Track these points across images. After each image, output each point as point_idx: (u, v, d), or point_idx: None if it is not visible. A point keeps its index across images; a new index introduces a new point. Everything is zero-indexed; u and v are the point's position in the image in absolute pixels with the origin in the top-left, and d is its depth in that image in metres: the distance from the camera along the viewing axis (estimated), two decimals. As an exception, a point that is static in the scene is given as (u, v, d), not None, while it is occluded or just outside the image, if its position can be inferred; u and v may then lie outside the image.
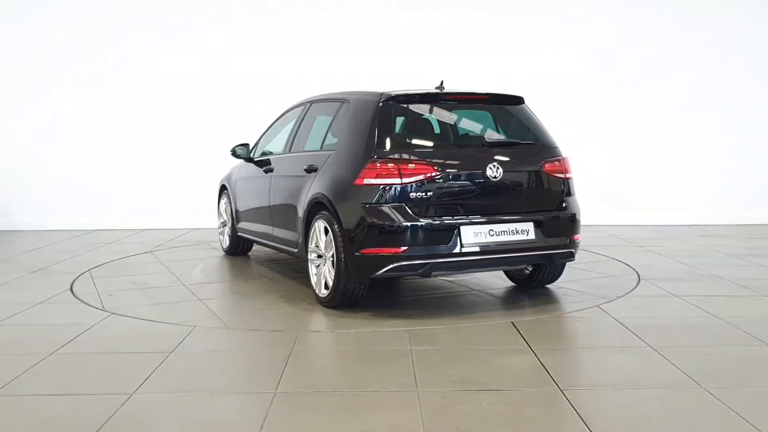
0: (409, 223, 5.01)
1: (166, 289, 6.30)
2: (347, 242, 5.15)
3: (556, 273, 5.97)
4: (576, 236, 5.51)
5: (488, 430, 3.23)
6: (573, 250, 5.51)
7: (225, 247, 8.09)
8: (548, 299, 5.77)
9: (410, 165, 5.09)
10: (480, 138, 5.82)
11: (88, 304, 5.70)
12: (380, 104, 5.37)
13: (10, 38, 10.34)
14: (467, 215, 5.14)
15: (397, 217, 5.01)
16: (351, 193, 5.16)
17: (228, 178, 7.98)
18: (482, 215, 5.16)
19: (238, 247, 7.89)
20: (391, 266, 5.01)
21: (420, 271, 5.10)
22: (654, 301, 5.65)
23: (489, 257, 5.17)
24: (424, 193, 5.07)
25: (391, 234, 5.02)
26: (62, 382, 3.91)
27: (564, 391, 3.66)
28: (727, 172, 10.51)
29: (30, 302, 5.75)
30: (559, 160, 5.55)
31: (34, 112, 10.43)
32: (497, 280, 6.47)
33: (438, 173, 5.11)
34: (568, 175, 5.57)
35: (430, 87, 5.78)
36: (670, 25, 10.48)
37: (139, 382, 3.86)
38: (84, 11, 10.34)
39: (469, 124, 5.96)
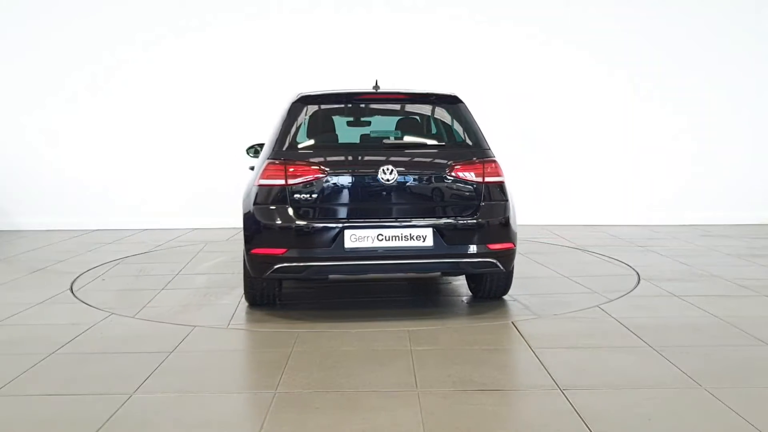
0: (288, 225, 4.97)
1: (148, 279, 6.36)
2: (245, 241, 5.16)
3: (500, 285, 5.58)
4: (495, 245, 5.08)
5: (488, 430, 3.23)
6: (492, 260, 5.09)
7: None
8: (547, 299, 5.77)
9: (296, 167, 5.03)
10: (383, 139, 5.69)
11: (88, 304, 5.70)
12: (291, 104, 5.40)
13: (12, 39, 10.33)
14: (353, 219, 5.00)
15: (278, 218, 4.99)
16: (251, 194, 5.17)
17: None
18: (371, 219, 5.00)
19: None
20: (276, 267, 4.95)
21: (303, 273, 5.08)
22: (654, 301, 5.65)
23: (376, 263, 4.99)
24: (308, 195, 5.01)
25: (272, 235, 5.01)
26: (62, 382, 3.91)
27: (564, 391, 3.66)
28: (727, 172, 10.50)
29: (30, 302, 5.75)
30: (476, 163, 5.16)
31: (35, 112, 10.41)
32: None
33: (325, 175, 5.03)
34: (491, 179, 5.14)
35: (366, 86, 5.71)
36: (671, 26, 10.47)
37: (139, 382, 3.86)
38: (85, 12, 10.33)
39: (382, 125, 5.86)
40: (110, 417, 3.39)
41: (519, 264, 7.18)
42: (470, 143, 5.36)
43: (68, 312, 5.49)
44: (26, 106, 10.42)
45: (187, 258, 7.86)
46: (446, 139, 5.66)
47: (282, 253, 4.94)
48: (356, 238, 4.92)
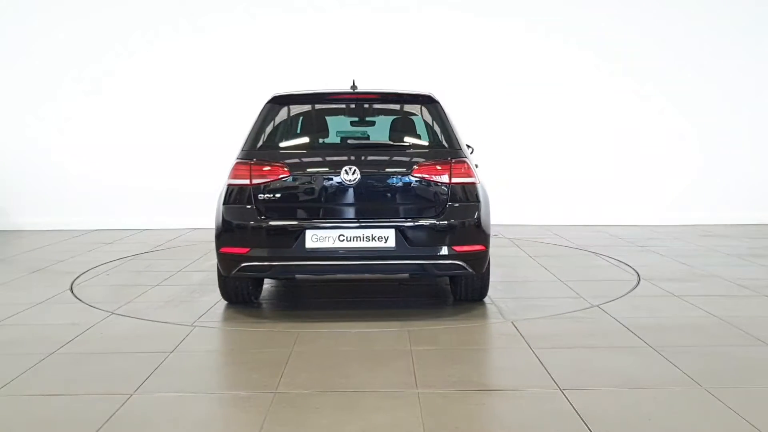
0: (252, 224, 5.02)
1: (148, 276, 6.40)
2: (215, 240, 5.22)
3: (475, 288, 5.44)
4: (462, 247, 4.97)
5: (488, 430, 3.23)
6: (459, 263, 4.98)
7: None
8: (548, 299, 5.77)
9: (260, 167, 5.08)
10: (350, 139, 5.69)
11: (88, 304, 5.70)
12: (264, 105, 5.44)
13: (12, 41, 10.34)
14: (315, 219, 5.03)
15: (243, 217, 5.05)
16: (222, 194, 5.23)
17: None
18: (332, 219, 5.01)
19: None
20: (242, 266, 5.01)
21: (267, 273, 5.17)
22: (654, 301, 5.65)
23: (337, 263, 5.00)
24: (272, 195, 5.04)
25: (236, 234, 5.07)
26: (62, 382, 3.92)
27: (564, 391, 3.66)
28: (727, 173, 10.50)
29: (30, 302, 5.75)
30: (443, 163, 5.07)
31: (35, 113, 10.41)
32: (496, 281, 6.48)
33: (288, 176, 5.05)
34: (459, 180, 5.05)
35: (345, 86, 5.68)
36: (672, 26, 10.47)
37: (139, 382, 3.86)
38: (88, 11, 10.33)
39: (353, 125, 5.84)
40: (110, 417, 3.39)
41: (517, 265, 7.21)
42: (441, 143, 5.30)
43: (68, 312, 5.49)
44: (26, 106, 10.41)
45: (197, 255, 7.90)
46: (416, 139, 5.62)
47: (246, 252, 4.99)
48: (317, 239, 4.93)
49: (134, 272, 7.09)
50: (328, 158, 5.23)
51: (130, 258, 7.87)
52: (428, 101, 5.51)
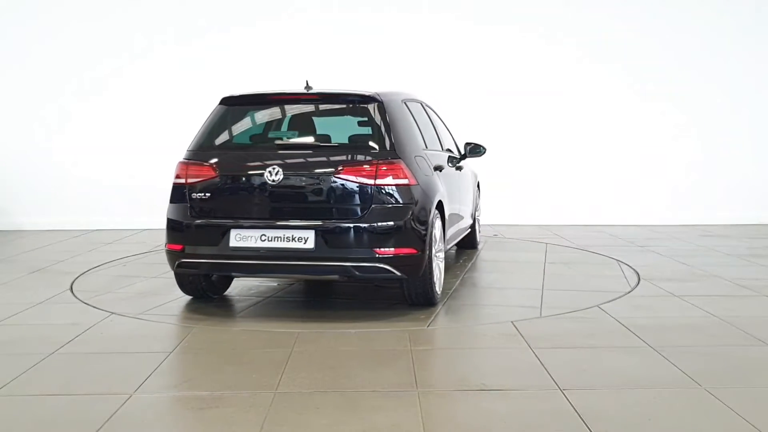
0: (185, 223, 5.20)
1: (149, 270, 6.35)
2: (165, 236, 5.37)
3: (417, 292, 5.29)
4: (386, 250, 4.89)
5: (488, 430, 3.23)
6: (383, 266, 4.90)
7: None
8: (548, 299, 5.76)
9: (193, 167, 5.24)
10: (282, 140, 5.72)
11: (88, 304, 5.70)
12: (216, 105, 5.59)
13: (13, 42, 10.34)
14: (239, 219, 5.09)
15: (179, 216, 5.24)
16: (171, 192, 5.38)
17: None
18: (255, 219, 5.07)
19: None
20: (179, 262, 5.22)
21: (197, 270, 5.31)
22: (654, 301, 5.65)
23: (259, 263, 5.05)
24: (203, 195, 5.18)
25: (173, 232, 5.27)
26: (62, 382, 3.91)
27: (564, 391, 3.66)
28: (728, 173, 10.51)
29: (30, 302, 5.75)
30: (368, 164, 4.99)
31: (36, 112, 10.42)
32: (496, 282, 6.48)
33: (216, 176, 5.16)
34: (387, 181, 4.98)
35: (299, 87, 5.69)
36: (672, 26, 10.48)
37: (139, 382, 3.86)
38: (83, 15, 10.33)
39: (294, 126, 5.86)
40: (110, 417, 3.39)
41: (514, 269, 7.21)
42: (380, 144, 5.19)
43: (68, 312, 5.49)
44: (27, 107, 10.42)
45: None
46: (351, 139, 5.55)
47: (180, 250, 5.18)
48: (240, 238, 5.02)
49: (133, 272, 7.08)
50: (255, 159, 5.31)
51: (130, 258, 7.88)
52: (372, 101, 5.40)
